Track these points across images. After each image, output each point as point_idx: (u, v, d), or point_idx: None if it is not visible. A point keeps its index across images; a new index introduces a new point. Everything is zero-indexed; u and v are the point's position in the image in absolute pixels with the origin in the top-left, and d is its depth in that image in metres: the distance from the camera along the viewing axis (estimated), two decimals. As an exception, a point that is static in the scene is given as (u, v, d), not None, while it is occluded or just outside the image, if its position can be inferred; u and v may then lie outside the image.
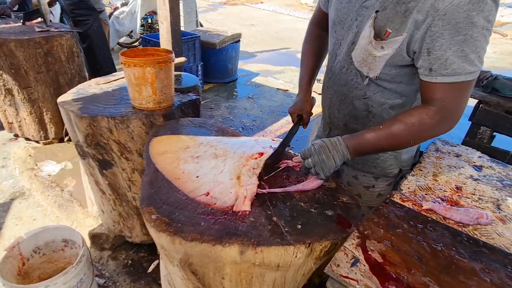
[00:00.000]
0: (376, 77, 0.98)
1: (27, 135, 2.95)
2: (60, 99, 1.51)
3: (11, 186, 2.49)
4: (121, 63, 1.28)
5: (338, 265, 0.68)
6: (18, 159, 2.79)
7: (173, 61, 1.33)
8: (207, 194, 0.92)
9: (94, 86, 1.68)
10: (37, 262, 1.58)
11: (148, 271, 1.81)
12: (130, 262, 1.87)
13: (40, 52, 2.58)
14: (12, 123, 2.92)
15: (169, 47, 1.98)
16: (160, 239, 0.84)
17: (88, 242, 1.95)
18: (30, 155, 2.86)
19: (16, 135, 3.08)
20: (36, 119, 2.84)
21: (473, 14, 0.75)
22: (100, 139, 1.43)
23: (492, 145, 2.19)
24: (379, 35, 0.91)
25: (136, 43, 6.07)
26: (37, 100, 2.77)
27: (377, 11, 0.90)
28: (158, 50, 1.43)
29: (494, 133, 2.18)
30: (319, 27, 1.26)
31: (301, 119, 1.22)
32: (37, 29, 2.69)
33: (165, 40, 1.97)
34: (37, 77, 2.66)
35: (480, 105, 2.10)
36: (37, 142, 3.00)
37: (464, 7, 0.75)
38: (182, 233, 0.81)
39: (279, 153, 1.08)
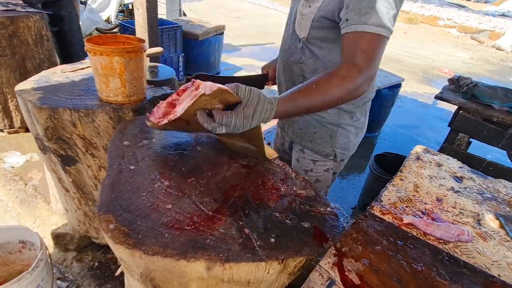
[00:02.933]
0: (306, 38, 1.03)
1: (-11, 123, 2.74)
2: (18, 86, 1.37)
3: (-32, 179, 2.30)
4: (86, 50, 1.15)
5: (312, 288, 0.62)
6: (-23, 149, 2.59)
7: (144, 51, 1.22)
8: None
9: (59, 74, 1.54)
10: (-9, 265, 1.44)
11: (116, 275, 1.70)
12: (96, 264, 1.76)
13: (3, 33, 2.37)
14: (-29, 109, 2.70)
15: (145, 36, 1.85)
16: (118, 251, 0.75)
17: (51, 242, 1.82)
18: (-8, 145, 2.66)
19: (-23, 123, 2.85)
20: (0, 106, 2.64)
21: None
22: (63, 133, 1.31)
23: (468, 151, 2.22)
24: None
25: (116, 30, 5.79)
26: (1, 86, 2.56)
27: None
28: (129, 38, 1.31)
29: (471, 140, 2.20)
30: None
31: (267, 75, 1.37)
32: (1, 8, 2.47)
33: (141, 28, 1.84)
34: (0, 60, 2.46)
35: (460, 112, 2.11)
36: (1, 131, 2.79)
37: None
38: (143, 246, 0.72)
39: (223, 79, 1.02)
